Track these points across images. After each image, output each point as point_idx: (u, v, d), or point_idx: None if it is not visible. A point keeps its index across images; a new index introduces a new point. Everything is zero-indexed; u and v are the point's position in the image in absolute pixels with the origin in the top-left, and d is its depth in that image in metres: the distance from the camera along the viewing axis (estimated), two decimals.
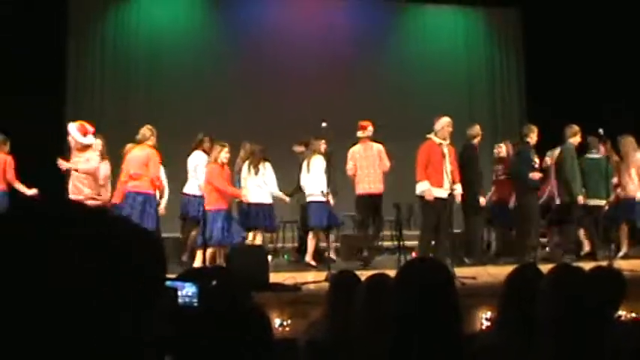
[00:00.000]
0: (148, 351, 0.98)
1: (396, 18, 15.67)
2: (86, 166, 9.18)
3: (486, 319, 6.34)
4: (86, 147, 9.26)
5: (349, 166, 10.87)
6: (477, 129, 10.99)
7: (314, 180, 10.51)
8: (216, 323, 1.61)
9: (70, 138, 9.36)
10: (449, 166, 9.92)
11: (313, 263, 10.56)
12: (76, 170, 9.22)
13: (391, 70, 15.19)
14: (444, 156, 9.91)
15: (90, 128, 9.32)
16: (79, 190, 9.24)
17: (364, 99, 14.53)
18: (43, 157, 10.24)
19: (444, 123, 10.03)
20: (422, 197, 9.85)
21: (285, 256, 11.58)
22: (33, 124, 11.53)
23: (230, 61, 14.52)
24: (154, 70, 14.45)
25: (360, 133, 10.97)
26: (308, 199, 10.69)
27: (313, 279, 8.48)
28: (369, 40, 15.12)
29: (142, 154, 9.61)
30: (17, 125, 10.94)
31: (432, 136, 10.01)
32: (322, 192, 10.16)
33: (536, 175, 10.67)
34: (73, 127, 9.27)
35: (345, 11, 15.24)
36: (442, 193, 9.79)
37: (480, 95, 15.70)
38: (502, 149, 11.52)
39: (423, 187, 9.85)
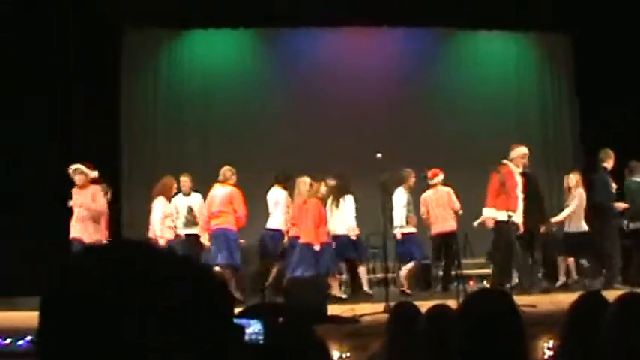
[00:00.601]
0: (153, 356, 0.98)
1: (447, 45, 15.62)
2: (95, 206, 9.71)
3: (548, 348, 6.23)
4: (88, 183, 9.82)
5: (422, 210, 11.71)
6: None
7: (397, 213, 10.96)
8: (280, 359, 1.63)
9: (76, 178, 9.82)
10: (521, 195, 9.90)
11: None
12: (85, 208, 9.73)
13: (442, 97, 15.11)
14: (517, 184, 9.85)
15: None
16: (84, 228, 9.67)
17: (415, 128, 14.50)
18: None
19: (519, 153, 10.08)
20: (496, 223, 9.79)
21: (342, 288, 11.55)
22: (89, 160, 11.77)
23: (281, 94, 14.61)
24: (207, 105, 14.62)
25: (432, 181, 11.71)
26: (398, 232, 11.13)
27: (371, 310, 8.41)
28: (420, 68, 15.07)
29: (224, 193, 10.27)
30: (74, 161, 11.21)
31: (508, 162, 9.98)
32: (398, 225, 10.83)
33: (620, 206, 10.54)
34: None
35: (394, 40, 15.21)
36: (514, 217, 9.70)
37: (532, 122, 15.48)
38: None
39: (488, 214, 9.82)
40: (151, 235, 10.23)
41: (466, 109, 14.96)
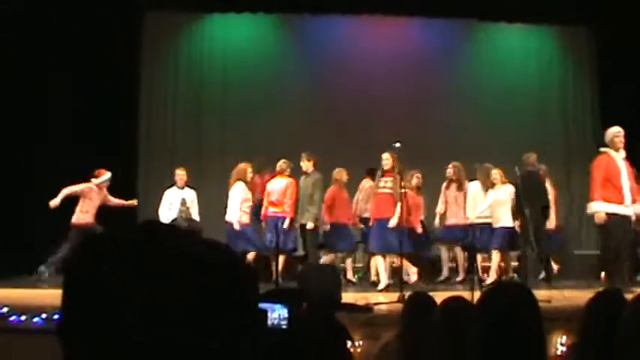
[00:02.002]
0: (172, 339, 0.98)
1: (467, 37, 15.53)
2: None
3: (561, 344, 6.21)
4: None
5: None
6: (534, 157, 10.79)
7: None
8: (304, 344, 1.62)
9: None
10: (627, 182, 9.15)
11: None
12: None
13: (461, 88, 15.05)
14: (620, 171, 9.17)
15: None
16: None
17: (434, 117, 14.46)
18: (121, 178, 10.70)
19: (612, 133, 9.38)
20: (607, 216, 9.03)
21: (356, 276, 11.61)
22: (107, 145, 11.86)
23: (300, 80, 14.60)
24: (226, 90, 14.62)
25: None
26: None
27: (385, 300, 8.42)
28: (439, 59, 15.01)
29: (282, 184, 10.93)
30: (92, 149, 11.31)
31: (607, 149, 9.34)
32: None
33: None
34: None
35: (414, 29, 15.18)
36: (623, 209, 9.07)
37: (553, 115, 15.42)
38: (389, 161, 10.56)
39: (596, 208, 9.10)
40: (227, 218, 10.68)
41: (486, 101, 14.91)
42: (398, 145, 9.35)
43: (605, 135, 9.53)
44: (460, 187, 11.31)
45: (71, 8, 12.41)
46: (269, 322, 2.00)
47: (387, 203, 10.24)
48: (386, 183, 10.36)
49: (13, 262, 10.68)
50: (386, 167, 10.33)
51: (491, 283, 9.42)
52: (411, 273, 10.64)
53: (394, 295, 8.39)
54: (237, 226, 10.56)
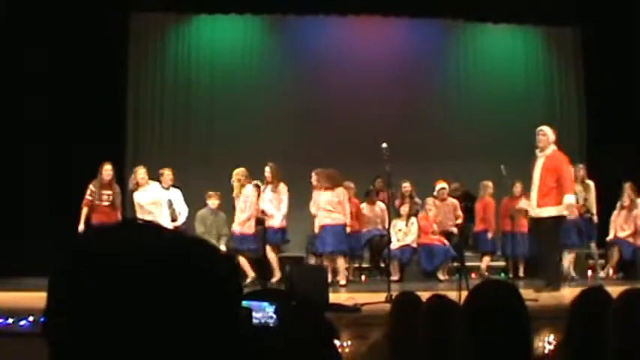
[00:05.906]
0: (154, 340, 0.98)
1: (453, 37, 15.56)
2: None
3: (548, 343, 6.24)
4: None
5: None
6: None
7: None
8: (292, 342, 1.62)
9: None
10: None
11: None
12: None
13: (447, 88, 15.10)
14: None
15: None
16: None
17: (420, 118, 14.49)
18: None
19: None
20: None
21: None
22: (93, 145, 11.82)
23: (287, 81, 14.60)
24: (213, 91, 14.61)
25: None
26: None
27: (372, 299, 8.40)
28: (425, 59, 15.05)
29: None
30: (78, 150, 11.25)
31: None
32: None
33: None
34: None
35: (401, 30, 15.19)
36: None
37: (538, 115, 15.39)
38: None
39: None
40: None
41: (472, 100, 14.95)
42: (384, 145, 9.34)
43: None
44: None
45: (57, 8, 12.35)
46: (257, 320, 2.00)
47: None
48: None
49: None
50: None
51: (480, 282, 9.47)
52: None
53: (382, 295, 8.38)
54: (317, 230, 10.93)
